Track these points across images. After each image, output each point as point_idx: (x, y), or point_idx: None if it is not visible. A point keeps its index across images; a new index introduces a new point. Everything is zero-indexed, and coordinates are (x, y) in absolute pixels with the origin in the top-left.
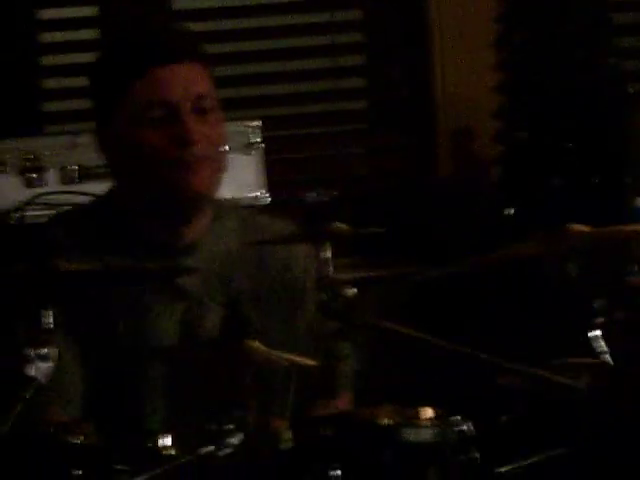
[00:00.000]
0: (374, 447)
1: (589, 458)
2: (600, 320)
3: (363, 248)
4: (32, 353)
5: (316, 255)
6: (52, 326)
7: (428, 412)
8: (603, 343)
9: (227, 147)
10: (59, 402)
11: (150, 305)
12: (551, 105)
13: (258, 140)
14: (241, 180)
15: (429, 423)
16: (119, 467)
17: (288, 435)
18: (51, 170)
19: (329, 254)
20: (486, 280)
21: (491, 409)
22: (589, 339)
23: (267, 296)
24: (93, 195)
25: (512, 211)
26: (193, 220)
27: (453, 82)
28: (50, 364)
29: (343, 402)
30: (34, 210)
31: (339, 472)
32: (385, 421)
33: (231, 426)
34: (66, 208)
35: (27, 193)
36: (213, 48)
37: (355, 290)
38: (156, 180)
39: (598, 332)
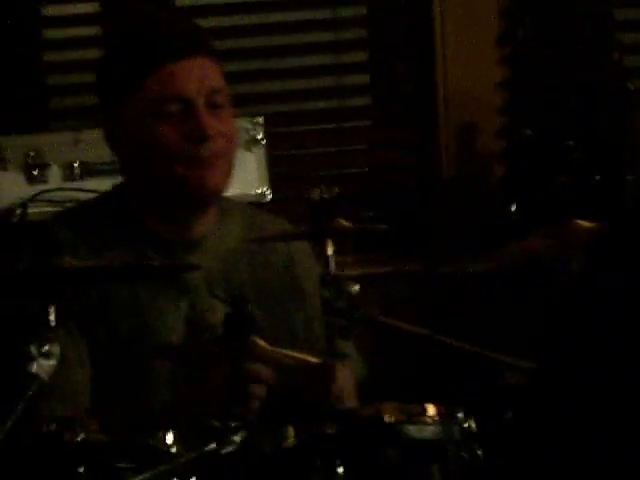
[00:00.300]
0: (377, 444)
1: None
2: None
3: (366, 245)
4: (35, 350)
5: (319, 252)
6: (55, 323)
7: (431, 409)
8: None
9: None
10: (62, 399)
11: (154, 301)
12: (554, 101)
13: (261, 136)
14: (244, 177)
15: (432, 420)
16: (121, 464)
17: (291, 432)
18: (54, 166)
19: (332, 251)
20: (489, 277)
21: (494, 406)
22: None
23: (270, 293)
24: (96, 192)
25: (515, 208)
26: (200, 217)
27: (457, 78)
28: (53, 361)
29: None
30: (37, 207)
31: (342, 469)
32: (388, 418)
33: (234, 423)
34: (69, 205)
35: (30, 189)
36: (216, 45)
37: (358, 287)
38: (169, 176)
39: None
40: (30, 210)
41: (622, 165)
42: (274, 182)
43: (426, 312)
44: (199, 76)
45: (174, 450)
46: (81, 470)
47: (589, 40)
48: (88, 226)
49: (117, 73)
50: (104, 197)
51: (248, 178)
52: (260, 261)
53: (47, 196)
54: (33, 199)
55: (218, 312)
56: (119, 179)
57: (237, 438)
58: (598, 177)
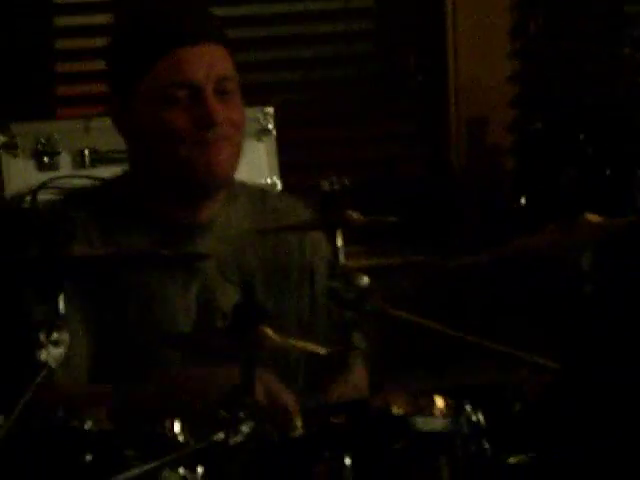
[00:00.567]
0: (386, 436)
1: (601, 449)
2: None
3: (376, 236)
4: (44, 338)
5: (329, 243)
6: (64, 311)
7: (439, 402)
8: None
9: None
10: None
11: (164, 285)
12: (565, 95)
13: (270, 126)
14: (253, 166)
15: (440, 413)
16: (129, 452)
17: (299, 423)
18: (64, 154)
19: (341, 242)
20: (498, 270)
21: (502, 399)
22: None
23: (279, 274)
24: (104, 179)
25: (525, 201)
26: (208, 200)
27: (468, 71)
28: (62, 349)
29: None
30: (47, 194)
31: (350, 461)
32: (397, 410)
33: (242, 413)
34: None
35: (40, 176)
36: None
37: (368, 279)
38: (177, 160)
39: None
40: (40, 197)
41: (632, 159)
42: (284, 172)
43: (435, 304)
44: (208, 62)
45: (181, 439)
46: (88, 458)
47: (600, 34)
48: (98, 209)
49: (127, 57)
50: (111, 183)
51: (258, 168)
52: (271, 241)
53: (57, 183)
54: (43, 186)
55: (229, 295)
56: (129, 164)
57: (245, 428)
58: (608, 171)
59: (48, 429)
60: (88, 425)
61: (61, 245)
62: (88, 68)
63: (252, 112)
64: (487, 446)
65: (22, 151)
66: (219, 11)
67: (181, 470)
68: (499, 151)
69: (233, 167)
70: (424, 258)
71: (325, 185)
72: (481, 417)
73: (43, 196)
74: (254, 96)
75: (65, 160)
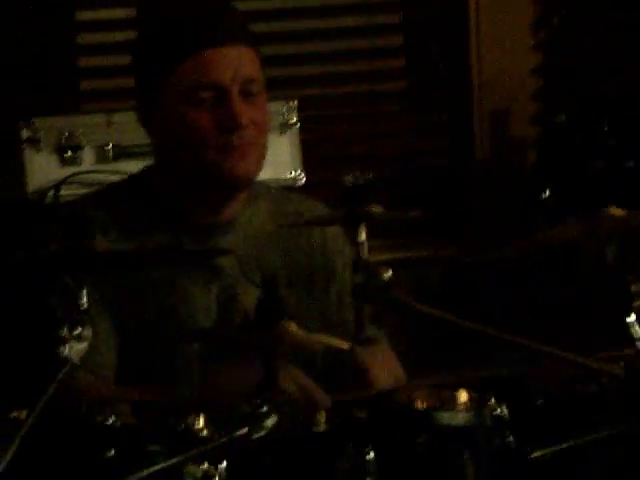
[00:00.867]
0: (409, 430)
1: (623, 444)
2: (638, 304)
3: (399, 229)
4: (67, 333)
5: (351, 237)
6: (87, 306)
7: (463, 395)
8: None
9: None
10: (91, 370)
11: (185, 284)
12: (589, 88)
13: (294, 120)
14: (277, 160)
15: (464, 407)
16: (152, 448)
17: (322, 417)
18: (87, 148)
19: (365, 236)
20: (522, 263)
21: (526, 393)
22: (626, 324)
23: (302, 275)
24: (128, 174)
25: (549, 194)
26: (230, 200)
27: (491, 63)
28: (85, 344)
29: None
30: (70, 189)
31: (373, 455)
32: (420, 404)
33: (265, 408)
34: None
35: (63, 171)
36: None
37: (391, 272)
38: (201, 162)
39: (634, 317)
40: (63, 192)
41: None
42: (307, 166)
43: (459, 298)
44: (235, 64)
45: (205, 434)
46: (112, 453)
47: (623, 26)
48: (119, 208)
49: (153, 57)
50: (133, 179)
51: (281, 162)
52: (292, 242)
53: (80, 178)
54: (66, 181)
55: (250, 295)
56: (152, 161)
57: (268, 423)
58: (632, 163)
59: (71, 424)
60: (111, 420)
61: (81, 243)
62: (111, 62)
63: (275, 105)
64: (511, 439)
65: (45, 146)
66: (244, 5)
67: (205, 465)
68: (522, 143)
69: (257, 170)
70: (447, 251)
71: (348, 180)
72: (505, 410)
73: (66, 191)
74: (278, 90)
75: (88, 155)
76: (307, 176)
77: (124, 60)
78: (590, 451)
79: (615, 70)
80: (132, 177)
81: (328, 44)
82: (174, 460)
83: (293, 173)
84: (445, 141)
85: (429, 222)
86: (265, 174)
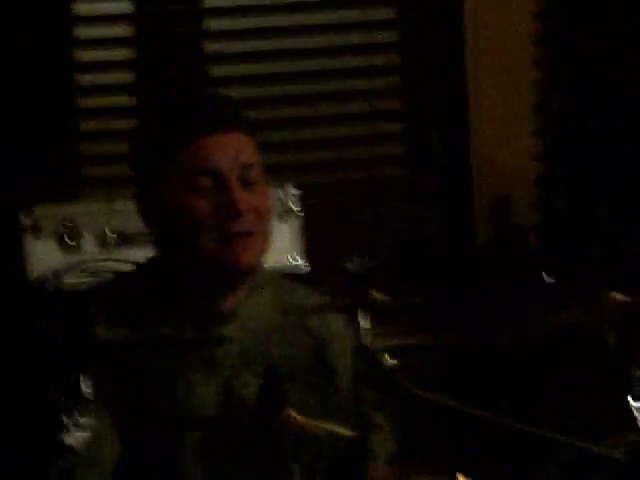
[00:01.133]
0: None
1: None
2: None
3: (401, 316)
4: (69, 421)
5: (354, 324)
6: (89, 394)
7: None
8: None
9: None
10: (93, 472)
11: (186, 374)
12: (590, 173)
13: (296, 207)
14: (279, 247)
15: None
16: None
17: None
18: (87, 236)
19: (368, 323)
20: (524, 349)
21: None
22: (631, 409)
23: (304, 365)
24: (130, 262)
25: (550, 279)
26: (233, 289)
27: (491, 148)
28: (87, 433)
29: (377, 474)
30: (71, 276)
31: None
32: None
33: None
34: (104, 274)
35: (64, 259)
36: (250, 114)
37: (395, 359)
38: (201, 251)
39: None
40: (65, 280)
41: None
42: (309, 253)
43: (463, 384)
44: (233, 151)
45: None
46: None
47: (624, 111)
48: (123, 298)
49: (150, 146)
50: (139, 268)
51: (283, 249)
52: (291, 340)
53: (81, 266)
54: (67, 268)
55: (251, 386)
56: (153, 249)
57: None
58: (633, 248)
59: None
60: None
61: (81, 333)
62: (112, 149)
63: (277, 192)
64: None
65: (46, 233)
66: (245, 92)
67: None
68: (523, 228)
69: (259, 259)
70: (450, 337)
71: (350, 266)
72: None
73: (67, 279)
74: (279, 177)
75: (89, 242)
76: (309, 264)
77: (125, 148)
78: None
79: (615, 151)
80: (139, 266)
81: (328, 130)
82: None
83: (295, 261)
84: (446, 227)
85: (432, 308)
86: (267, 262)
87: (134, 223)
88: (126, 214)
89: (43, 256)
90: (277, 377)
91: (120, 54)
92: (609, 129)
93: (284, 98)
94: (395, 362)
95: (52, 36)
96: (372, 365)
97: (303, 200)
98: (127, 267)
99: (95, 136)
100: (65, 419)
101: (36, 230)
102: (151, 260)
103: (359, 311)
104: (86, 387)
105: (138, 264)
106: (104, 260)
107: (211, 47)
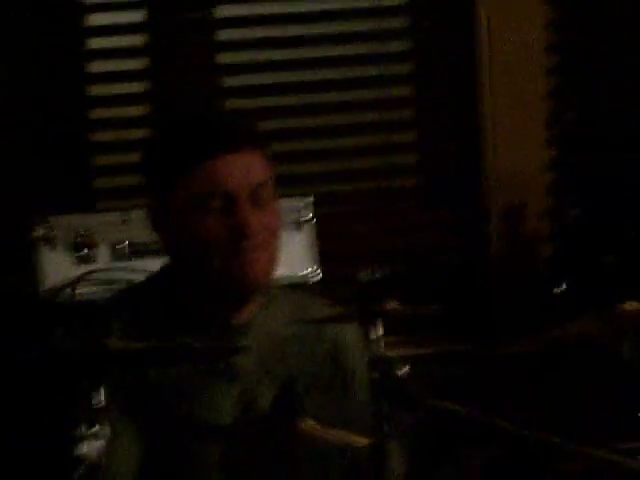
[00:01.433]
0: None
1: None
2: None
3: (415, 325)
4: (84, 432)
5: (368, 334)
6: (104, 404)
7: None
8: None
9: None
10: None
11: (203, 386)
12: (603, 182)
13: (309, 216)
14: (292, 257)
15: None
16: None
17: None
18: (102, 246)
19: (381, 332)
20: (538, 359)
21: None
22: None
23: (319, 377)
24: (144, 272)
25: (564, 289)
26: (246, 303)
27: (505, 158)
28: (102, 443)
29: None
30: (86, 287)
31: None
32: None
33: None
34: (118, 285)
35: (78, 269)
36: (264, 125)
37: (407, 368)
38: (211, 268)
39: None
40: (79, 290)
41: None
42: (323, 262)
43: (478, 393)
44: (243, 171)
45: None
46: None
47: (638, 119)
48: (138, 309)
49: (161, 167)
50: (153, 278)
51: (297, 258)
52: (306, 351)
53: (95, 276)
54: (82, 279)
55: (269, 396)
56: (166, 259)
57: None
58: None
59: None
60: None
61: (97, 343)
62: (126, 160)
63: (291, 202)
64: None
65: (60, 244)
66: (259, 102)
67: None
68: (537, 239)
69: (270, 273)
70: (464, 347)
71: (363, 276)
72: None
73: (82, 289)
74: (293, 186)
75: (103, 253)
76: (323, 272)
77: (138, 158)
78: None
79: (628, 160)
80: (150, 277)
81: (342, 140)
82: None
83: (308, 270)
84: (460, 236)
85: (444, 318)
86: (280, 271)
87: (147, 233)
88: (140, 225)
89: (57, 267)
90: (294, 387)
91: (132, 65)
92: (622, 138)
93: (297, 108)
94: (408, 371)
95: (65, 48)
96: (386, 375)
97: (317, 209)
98: (141, 277)
99: (108, 147)
100: (80, 429)
101: (50, 241)
102: (164, 270)
103: (373, 320)
104: (100, 397)
105: (151, 274)
106: (118, 270)
107: (224, 57)
